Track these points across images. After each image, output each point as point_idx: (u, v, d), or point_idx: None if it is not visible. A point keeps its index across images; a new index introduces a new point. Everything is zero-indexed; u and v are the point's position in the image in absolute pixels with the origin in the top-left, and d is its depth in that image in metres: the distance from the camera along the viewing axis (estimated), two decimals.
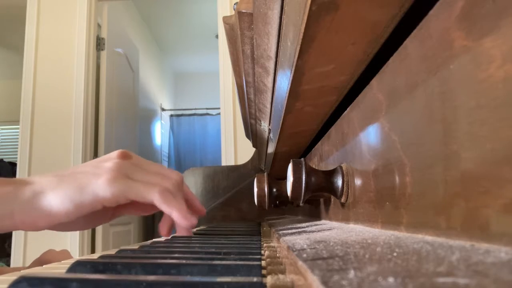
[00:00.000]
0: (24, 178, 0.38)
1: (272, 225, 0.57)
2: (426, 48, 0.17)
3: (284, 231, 0.33)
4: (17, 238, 2.15)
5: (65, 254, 0.60)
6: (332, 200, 0.40)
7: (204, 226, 0.94)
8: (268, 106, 0.46)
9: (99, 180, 0.38)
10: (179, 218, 0.41)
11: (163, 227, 0.47)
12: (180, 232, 0.45)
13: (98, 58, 2.45)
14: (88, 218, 0.42)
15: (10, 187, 0.36)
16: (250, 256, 0.26)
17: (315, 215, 0.53)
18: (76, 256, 1.64)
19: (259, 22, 0.31)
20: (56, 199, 0.36)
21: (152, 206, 0.42)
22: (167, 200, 0.40)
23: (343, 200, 0.33)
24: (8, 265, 2.23)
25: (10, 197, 0.35)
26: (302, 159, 0.35)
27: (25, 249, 2.13)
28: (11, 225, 0.36)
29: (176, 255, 0.28)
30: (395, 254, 0.13)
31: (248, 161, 1.23)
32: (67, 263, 0.30)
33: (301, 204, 0.40)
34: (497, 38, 0.12)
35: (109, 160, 0.41)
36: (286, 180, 0.41)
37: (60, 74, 2.32)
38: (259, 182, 0.55)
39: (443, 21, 0.15)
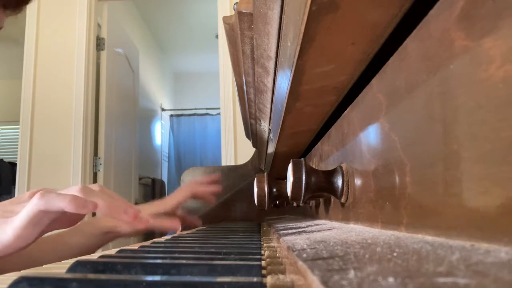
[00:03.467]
0: None
1: (272, 225, 0.57)
2: (426, 48, 0.17)
3: (284, 231, 0.33)
4: None
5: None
6: (332, 200, 0.40)
7: (204, 226, 0.94)
8: (268, 106, 0.46)
9: (3, 230, 0.38)
10: (104, 209, 0.40)
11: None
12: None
13: (98, 58, 2.45)
14: (52, 225, 0.41)
15: None
16: (250, 256, 0.26)
17: (315, 215, 0.53)
18: None
19: (259, 22, 0.31)
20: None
21: (77, 215, 0.41)
22: (88, 193, 0.39)
23: (343, 200, 0.33)
24: None
25: None
26: (302, 159, 0.35)
27: None
28: None
29: (176, 255, 0.28)
30: (395, 254, 0.13)
31: (248, 161, 1.23)
32: (67, 263, 0.30)
33: (301, 204, 0.40)
34: (497, 38, 0.12)
35: (19, 203, 0.41)
36: (286, 180, 0.41)
37: (60, 74, 2.32)
38: (259, 182, 0.55)
39: (443, 21, 0.15)
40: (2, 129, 4.34)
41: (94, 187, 0.43)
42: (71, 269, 0.22)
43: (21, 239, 0.38)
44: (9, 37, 3.52)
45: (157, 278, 0.19)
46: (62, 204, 0.38)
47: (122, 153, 2.66)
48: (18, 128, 2.32)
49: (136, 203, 1.85)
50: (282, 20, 0.26)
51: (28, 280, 0.17)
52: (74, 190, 0.41)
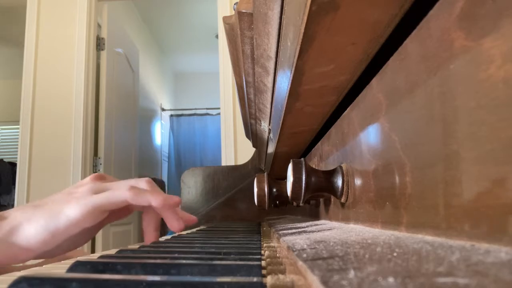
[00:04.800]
0: (0, 213, 0.38)
1: (272, 225, 0.57)
2: (426, 48, 0.17)
3: (284, 231, 0.33)
4: None
5: (82, 253, 0.60)
6: (332, 200, 0.40)
7: (204, 226, 0.94)
8: (268, 106, 0.46)
9: (69, 204, 0.38)
10: (160, 203, 0.41)
11: (148, 227, 0.47)
12: (170, 222, 0.44)
13: (98, 58, 2.45)
14: (74, 239, 0.42)
15: None
16: (250, 256, 0.26)
17: (315, 215, 0.53)
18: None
19: (259, 22, 0.31)
20: (31, 230, 0.37)
21: (128, 207, 0.43)
22: (139, 194, 0.40)
23: (343, 200, 0.33)
24: None
25: None
26: (302, 159, 0.35)
27: None
28: None
29: (176, 255, 0.28)
30: (395, 254, 0.13)
31: (248, 161, 1.23)
32: (67, 263, 0.30)
33: (301, 204, 0.40)
34: (497, 38, 0.12)
35: (82, 185, 0.42)
36: (286, 180, 0.41)
37: (60, 74, 2.32)
38: (259, 182, 0.55)
39: (443, 21, 0.15)
40: (2, 129, 4.35)
41: (142, 183, 0.44)
42: (71, 269, 0.22)
43: (87, 218, 0.38)
44: (9, 37, 3.52)
45: (157, 278, 0.19)
46: (152, 199, 0.41)
47: (122, 153, 2.67)
48: (18, 128, 2.32)
49: None
50: (282, 20, 0.26)
51: (28, 280, 0.17)
52: (87, 179, 0.43)
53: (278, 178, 0.61)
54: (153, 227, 0.47)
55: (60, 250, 0.42)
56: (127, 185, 0.41)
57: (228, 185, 1.21)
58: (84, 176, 2.25)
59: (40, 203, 0.39)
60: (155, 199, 0.41)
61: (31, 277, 0.17)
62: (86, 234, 0.44)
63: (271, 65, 0.35)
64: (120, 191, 0.40)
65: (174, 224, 0.44)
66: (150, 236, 0.48)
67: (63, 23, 2.36)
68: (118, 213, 0.46)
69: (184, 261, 0.23)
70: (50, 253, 0.40)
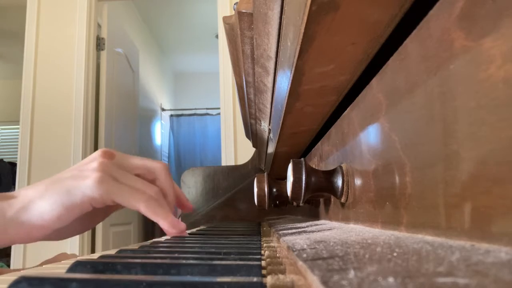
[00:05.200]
0: (9, 193, 0.38)
1: (272, 225, 0.57)
2: (426, 48, 0.17)
3: (284, 231, 0.33)
4: None
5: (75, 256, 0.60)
6: (332, 200, 0.40)
7: (204, 226, 0.94)
8: (268, 106, 0.46)
9: (87, 181, 0.38)
10: (166, 227, 0.42)
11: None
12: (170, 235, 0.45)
13: (98, 58, 2.45)
14: (81, 220, 0.42)
15: None
16: (250, 256, 0.26)
17: (315, 215, 0.53)
18: (75, 252, 1.63)
19: (259, 22, 0.31)
20: (46, 206, 0.36)
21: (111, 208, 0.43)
22: (153, 210, 0.41)
23: (343, 200, 0.33)
24: (8, 265, 2.23)
25: None
26: (302, 159, 0.35)
27: (25, 249, 2.13)
28: (7, 240, 0.36)
29: (176, 255, 0.28)
30: (395, 254, 0.13)
31: (248, 161, 1.23)
32: (67, 263, 0.30)
33: (301, 204, 0.40)
34: (497, 38, 0.12)
35: (93, 160, 0.41)
36: (286, 180, 0.41)
37: (60, 74, 2.32)
38: (259, 182, 0.55)
39: (443, 21, 0.15)
40: (2, 129, 4.35)
41: (151, 187, 0.43)
42: (71, 269, 0.22)
43: (102, 202, 0.38)
44: (9, 37, 3.52)
45: (157, 278, 0.19)
46: (161, 221, 0.41)
47: (122, 153, 2.66)
48: (18, 128, 2.32)
49: None
50: (282, 20, 0.26)
51: (28, 280, 0.17)
52: (96, 155, 0.42)
53: (278, 178, 0.61)
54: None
55: (69, 231, 0.42)
56: (145, 196, 0.40)
57: (228, 185, 1.21)
58: None
59: (51, 180, 0.39)
60: (163, 223, 0.42)
61: (31, 277, 0.17)
62: (94, 217, 0.44)
63: (271, 65, 0.35)
64: (137, 201, 0.40)
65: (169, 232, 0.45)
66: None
67: (63, 23, 2.36)
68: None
69: (184, 261, 0.23)
70: (60, 234, 0.40)
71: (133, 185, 0.41)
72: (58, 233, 0.40)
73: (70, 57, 2.32)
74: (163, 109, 4.56)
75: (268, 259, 0.25)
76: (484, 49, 0.13)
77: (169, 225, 0.42)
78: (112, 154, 0.43)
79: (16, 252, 2.13)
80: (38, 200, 0.37)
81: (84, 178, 0.38)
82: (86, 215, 0.40)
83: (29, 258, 2.13)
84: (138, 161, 0.44)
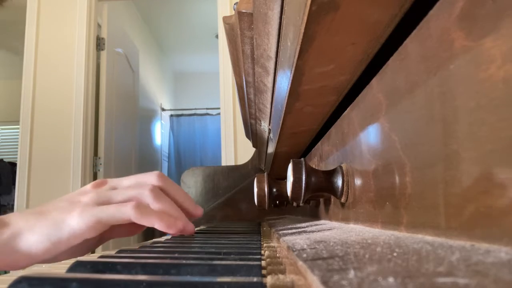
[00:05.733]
0: (1, 218, 0.38)
1: (272, 225, 0.57)
2: (426, 48, 0.17)
3: (284, 231, 0.33)
4: None
5: None
6: (332, 200, 0.40)
7: (204, 226, 0.94)
8: (268, 106, 0.46)
9: (72, 214, 0.38)
10: (163, 228, 0.41)
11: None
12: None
13: (98, 58, 2.45)
14: (74, 249, 0.41)
15: None
16: (250, 256, 0.26)
17: (315, 215, 0.53)
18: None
19: (259, 22, 0.31)
20: (33, 239, 0.37)
21: (137, 224, 0.42)
22: (144, 214, 0.39)
23: (343, 200, 0.33)
24: None
25: None
26: (302, 159, 0.35)
27: None
28: None
29: (176, 255, 0.28)
30: (395, 254, 0.13)
31: (248, 161, 1.23)
32: (67, 263, 0.30)
33: (301, 204, 0.40)
34: (497, 38, 0.12)
35: (84, 193, 0.41)
36: (286, 180, 0.41)
37: (60, 74, 2.32)
38: (259, 182, 0.55)
39: (443, 21, 0.15)
40: (2, 129, 4.35)
41: (147, 189, 0.42)
42: (71, 269, 0.22)
43: (91, 230, 0.38)
44: (9, 37, 3.52)
45: (157, 278, 0.19)
46: (156, 223, 0.40)
47: (122, 153, 2.67)
48: (18, 128, 2.32)
49: None
50: (282, 20, 0.26)
51: (28, 280, 0.17)
52: (88, 187, 0.42)
53: (278, 178, 0.61)
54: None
55: (59, 259, 0.42)
56: (133, 203, 0.39)
57: (228, 185, 1.21)
58: (84, 176, 2.25)
59: (42, 210, 0.39)
60: (159, 224, 0.40)
61: (31, 277, 0.17)
62: (86, 246, 0.44)
63: (271, 65, 0.35)
64: (126, 208, 0.39)
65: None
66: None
67: (63, 23, 2.36)
68: (121, 229, 0.45)
69: (184, 261, 0.23)
70: (49, 261, 0.40)
71: (120, 199, 0.41)
72: (49, 261, 0.40)
73: (70, 57, 2.32)
74: (163, 109, 4.56)
75: (268, 259, 0.25)
76: (484, 49, 0.13)
77: (166, 226, 0.40)
78: (103, 182, 0.43)
79: None
80: (26, 232, 0.37)
81: (71, 212, 0.38)
82: (78, 244, 0.40)
83: None
84: (128, 181, 0.44)
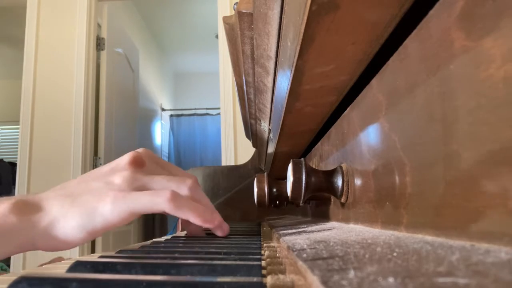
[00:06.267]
0: (35, 201, 0.37)
1: (272, 225, 0.57)
2: (426, 48, 0.17)
3: (284, 231, 0.33)
4: None
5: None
6: (332, 200, 0.40)
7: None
8: (268, 106, 0.46)
9: (105, 201, 0.37)
10: (199, 222, 0.40)
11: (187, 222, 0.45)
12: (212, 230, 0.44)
13: (98, 58, 2.45)
14: None
15: (25, 216, 0.36)
16: (250, 256, 0.26)
17: (315, 215, 0.53)
18: (76, 256, 1.63)
19: (259, 22, 0.31)
20: (69, 227, 0.37)
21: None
22: (179, 206, 0.38)
23: (343, 200, 0.33)
24: (8, 265, 2.23)
25: (28, 226, 0.35)
26: (302, 159, 0.35)
27: None
28: (33, 248, 0.37)
29: (176, 255, 0.28)
30: (395, 254, 0.13)
31: (248, 161, 1.23)
32: (67, 263, 0.30)
33: (301, 204, 0.40)
34: (497, 38, 0.12)
35: (119, 171, 0.40)
36: (286, 180, 0.41)
37: (60, 74, 2.32)
38: (259, 182, 0.55)
39: (443, 21, 0.15)
40: (2, 129, 4.35)
41: (185, 186, 0.41)
42: (71, 269, 0.22)
43: (124, 221, 0.37)
44: (9, 37, 3.52)
45: (157, 278, 0.19)
46: (191, 216, 0.39)
47: (122, 153, 2.65)
48: (18, 128, 2.32)
49: None
50: (282, 20, 0.26)
51: (28, 280, 0.17)
52: (124, 162, 0.41)
53: (278, 178, 0.61)
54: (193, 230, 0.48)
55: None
56: (169, 191, 0.38)
57: (228, 185, 1.21)
58: None
59: (74, 192, 0.38)
60: (194, 218, 0.39)
61: (31, 277, 0.17)
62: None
63: (271, 65, 0.35)
64: (161, 199, 0.37)
65: (216, 233, 0.43)
66: (192, 228, 0.48)
67: (63, 23, 2.36)
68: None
69: (184, 261, 0.23)
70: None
71: (156, 188, 0.40)
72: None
73: (70, 57, 2.32)
74: (163, 109, 4.56)
75: (268, 259, 0.25)
76: (484, 49, 0.13)
77: (201, 219, 0.39)
78: (142, 162, 0.41)
79: None
80: (62, 219, 0.37)
81: (104, 199, 0.37)
82: None
83: (29, 259, 2.13)
84: (168, 168, 0.44)
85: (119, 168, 0.40)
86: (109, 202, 0.37)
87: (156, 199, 0.38)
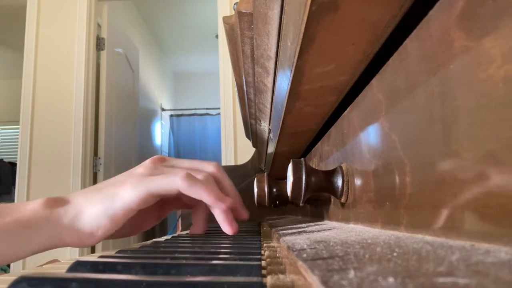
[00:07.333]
0: (63, 198, 0.38)
1: (272, 225, 0.57)
2: (426, 48, 0.17)
3: (284, 231, 0.33)
4: None
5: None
6: (332, 200, 0.40)
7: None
8: (268, 106, 0.46)
9: (126, 185, 0.38)
10: (211, 201, 0.40)
11: (196, 218, 0.46)
12: (222, 224, 0.43)
13: (98, 58, 2.45)
14: (133, 222, 0.42)
15: (53, 209, 0.36)
16: (250, 256, 0.26)
17: (315, 215, 0.53)
18: (76, 256, 1.63)
19: (259, 22, 0.31)
20: (92, 215, 0.37)
21: (192, 198, 0.41)
22: (192, 185, 0.39)
23: (343, 200, 0.33)
24: (8, 265, 2.23)
25: (57, 218, 0.36)
26: (302, 159, 0.35)
27: None
28: (61, 244, 0.37)
29: (176, 255, 0.28)
30: (395, 254, 0.13)
31: (248, 161, 1.23)
32: (67, 263, 0.30)
33: (301, 204, 0.40)
34: (497, 38, 0.12)
35: (141, 166, 0.41)
36: (286, 180, 0.41)
37: (60, 74, 2.32)
38: (259, 182, 0.55)
39: (443, 21, 0.15)
40: (2, 129, 4.35)
41: (202, 173, 0.42)
42: (71, 269, 0.22)
43: (142, 203, 0.38)
44: (9, 37, 3.52)
45: (157, 278, 0.19)
46: (203, 194, 0.39)
47: (122, 153, 2.66)
48: (18, 128, 2.32)
49: None
50: (282, 20, 0.26)
51: (28, 280, 0.17)
52: (147, 161, 0.42)
53: (278, 178, 0.61)
54: (201, 218, 0.47)
55: (123, 232, 0.42)
56: (184, 171, 0.40)
57: None
58: (84, 176, 2.25)
59: (101, 186, 0.40)
60: (206, 196, 0.40)
61: (31, 277, 0.17)
62: (147, 218, 0.44)
63: (271, 65, 0.35)
64: (175, 178, 0.39)
65: (224, 228, 0.43)
66: (197, 226, 0.48)
67: (63, 23, 2.36)
68: (177, 202, 0.46)
69: (184, 261, 0.23)
70: (115, 235, 0.41)
71: (170, 172, 0.40)
72: (114, 236, 0.40)
73: (70, 57, 2.32)
74: (163, 109, 4.56)
75: (268, 259, 0.25)
76: (484, 49, 0.13)
77: (215, 198, 0.40)
78: (164, 159, 0.43)
79: None
80: (86, 208, 0.37)
81: (123, 184, 0.38)
82: (138, 217, 0.40)
83: (29, 259, 2.13)
84: (187, 163, 0.44)
85: (143, 164, 0.42)
86: (129, 186, 0.38)
87: (171, 178, 0.39)
